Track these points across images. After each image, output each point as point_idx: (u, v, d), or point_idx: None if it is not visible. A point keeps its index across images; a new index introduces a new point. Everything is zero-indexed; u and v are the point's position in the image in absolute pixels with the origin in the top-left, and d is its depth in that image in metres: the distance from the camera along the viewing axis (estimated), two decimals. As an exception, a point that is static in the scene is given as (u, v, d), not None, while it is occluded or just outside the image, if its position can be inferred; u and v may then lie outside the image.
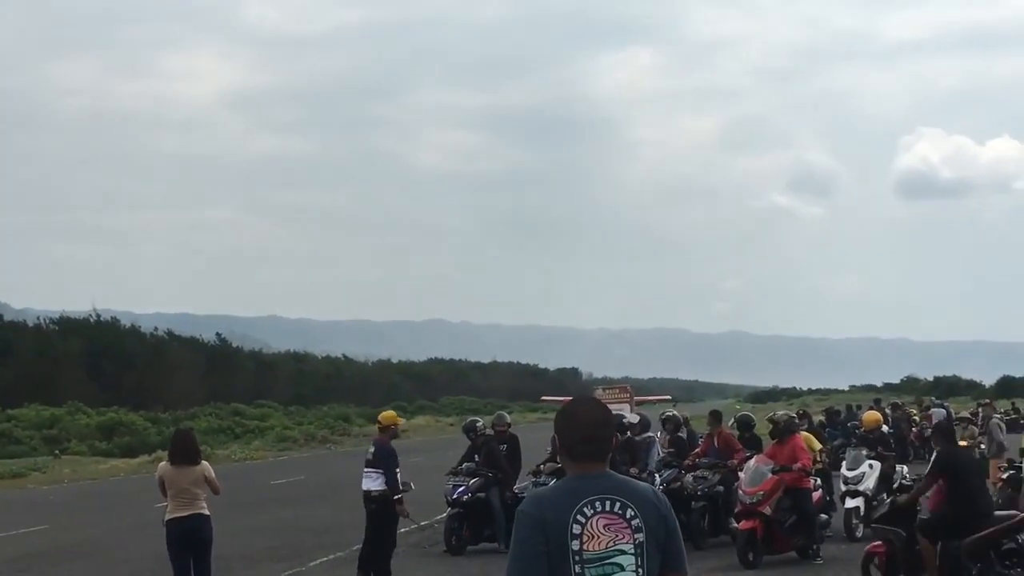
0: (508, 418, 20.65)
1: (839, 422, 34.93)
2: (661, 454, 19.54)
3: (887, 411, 34.15)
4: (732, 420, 20.60)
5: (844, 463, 19.39)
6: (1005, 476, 17.97)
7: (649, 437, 19.70)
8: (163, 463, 12.62)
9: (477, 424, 19.47)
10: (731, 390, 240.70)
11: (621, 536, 4.22)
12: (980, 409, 33.98)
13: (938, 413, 37.77)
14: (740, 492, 16.07)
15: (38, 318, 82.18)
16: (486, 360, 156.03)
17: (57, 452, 46.91)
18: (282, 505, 26.21)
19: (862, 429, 21.61)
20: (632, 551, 4.23)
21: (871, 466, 18.79)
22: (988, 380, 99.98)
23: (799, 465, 15.95)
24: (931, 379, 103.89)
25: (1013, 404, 59.51)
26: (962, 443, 24.54)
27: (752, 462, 16.40)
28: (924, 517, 12.49)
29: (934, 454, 13.14)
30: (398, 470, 14.58)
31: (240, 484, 29.77)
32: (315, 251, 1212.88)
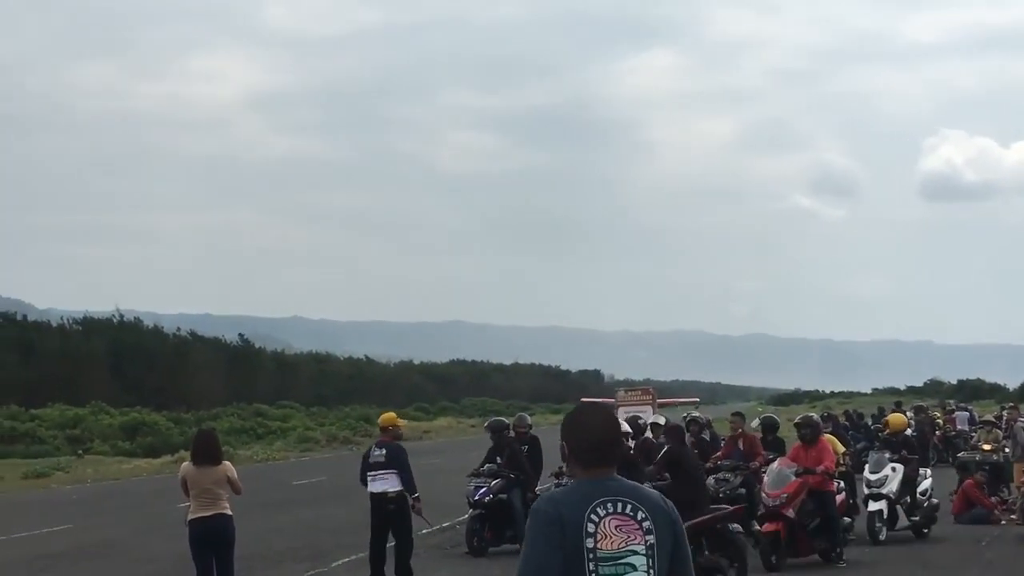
0: (529, 419, 20.67)
1: (861, 425, 34.83)
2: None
3: (909, 414, 34.02)
4: (757, 421, 20.54)
5: (867, 466, 19.32)
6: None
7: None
8: (185, 463, 12.66)
9: (505, 424, 19.45)
10: (753, 392, 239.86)
11: (633, 537, 4.33)
12: (1004, 412, 33.79)
13: (961, 417, 37.61)
14: (763, 495, 16.02)
15: (61, 318, 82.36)
16: (507, 362, 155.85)
17: (80, 452, 47.05)
18: (304, 506, 26.25)
19: (886, 432, 21.52)
20: (644, 552, 4.33)
21: (894, 469, 18.72)
22: (1012, 383, 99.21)
23: (823, 468, 15.90)
24: (954, 382, 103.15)
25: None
26: (985, 447, 24.53)
27: (775, 464, 16.36)
28: None
29: (664, 450, 15.54)
30: None
31: (262, 484, 29.82)
32: (336, 252, 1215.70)
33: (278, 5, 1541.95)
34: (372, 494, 14.58)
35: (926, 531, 19.04)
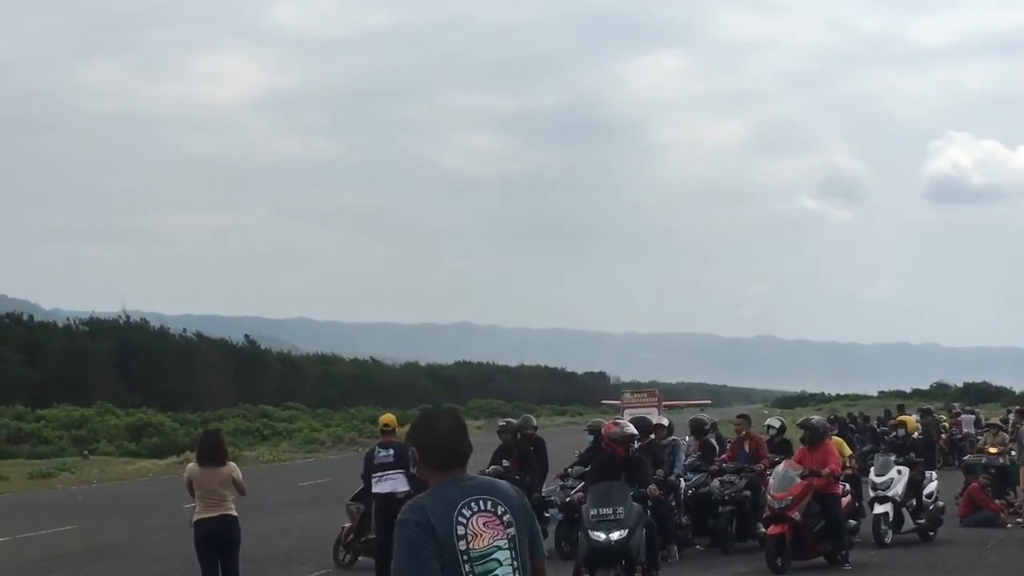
0: (535, 421, 20.66)
1: (866, 428, 34.77)
2: (687, 459, 19.46)
3: (915, 417, 33.98)
4: (766, 424, 20.50)
5: (873, 469, 19.31)
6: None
7: (674, 441, 19.61)
8: (191, 464, 12.67)
9: (513, 425, 19.43)
10: (759, 395, 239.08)
11: (497, 533, 4.48)
12: (1010, 415, 33.77)
13: (967, 419, 37.54)
14: (768, 497, 16.01)
15: (68, 319, 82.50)
16: (514, 363, 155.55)
17: (86, 452, 47.13)
18: (309, 507, 26.23)
19: (892, 434, 21.51)
20: (507, 546, 4.50)
21: (900, 472, 18.71)
22: (1018, 386, 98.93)
23: (828, 470, 15.88)
24: (961, 385, 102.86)
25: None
26: (991, 450, 24.51)
27: (781, 467, 16.34)
28: None
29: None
30: None
31: (268, 486, 29.85)
32: (343, 253, 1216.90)
33: (286, 6, 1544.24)
34: (378, 495, 14.55)
35: (932, 534, 19.02)
